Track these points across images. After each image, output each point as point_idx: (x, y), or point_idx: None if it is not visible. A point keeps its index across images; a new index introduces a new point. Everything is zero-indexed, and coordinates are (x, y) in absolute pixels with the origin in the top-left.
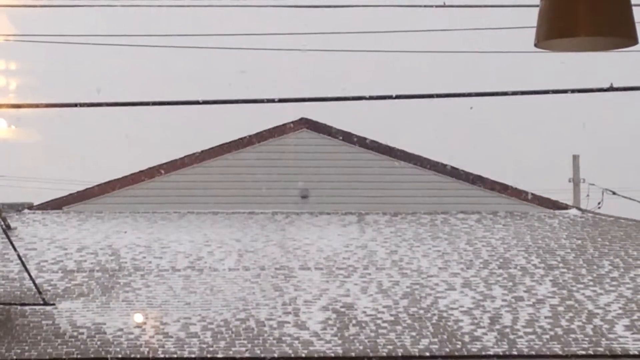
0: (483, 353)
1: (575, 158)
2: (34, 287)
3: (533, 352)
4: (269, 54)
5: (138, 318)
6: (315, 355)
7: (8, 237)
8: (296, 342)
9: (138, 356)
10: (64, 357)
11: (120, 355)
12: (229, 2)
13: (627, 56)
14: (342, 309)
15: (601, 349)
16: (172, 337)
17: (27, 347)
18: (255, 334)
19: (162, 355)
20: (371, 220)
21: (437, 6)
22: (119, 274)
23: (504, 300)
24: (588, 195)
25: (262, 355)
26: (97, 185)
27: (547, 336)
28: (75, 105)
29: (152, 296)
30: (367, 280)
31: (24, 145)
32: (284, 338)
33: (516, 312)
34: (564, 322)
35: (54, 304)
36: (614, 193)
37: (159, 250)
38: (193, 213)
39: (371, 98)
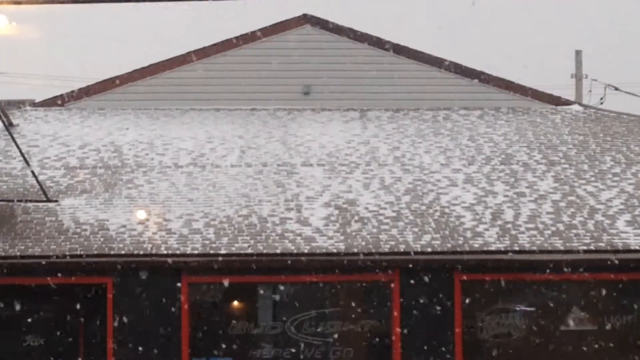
0: (485, 248)
1: (578, 53)
2: (36, 184)
3: (535, 248)
4: None
5: (141, 215)
6: (318, 252)
7: (10, 134)
8: (298, 238)
9: (141, 252)
10: (67, 253)
11: (123, 252)
12: None
13: None
14: (345, 205)
15: (602, 244)
16: (174, 233)
17: (30, 244)
18: (257, 230)
19: (165, 252)
20: (373, 116)
21: None
22: (121, 170)
23: (505, 196)
24: (590, 91)
25: (265, 252)
26: (99, 82)
27: (549, 232)
28: (76, 1)
29: (155, 193)
30: (369, 176)
31: (25, 42)
32: (286, 234)
33: (518, 208)
34: (565, 218)
35: (56, 201)
36: (616, 89)
37: (161, 147)
38: (195, 110)
39: None
